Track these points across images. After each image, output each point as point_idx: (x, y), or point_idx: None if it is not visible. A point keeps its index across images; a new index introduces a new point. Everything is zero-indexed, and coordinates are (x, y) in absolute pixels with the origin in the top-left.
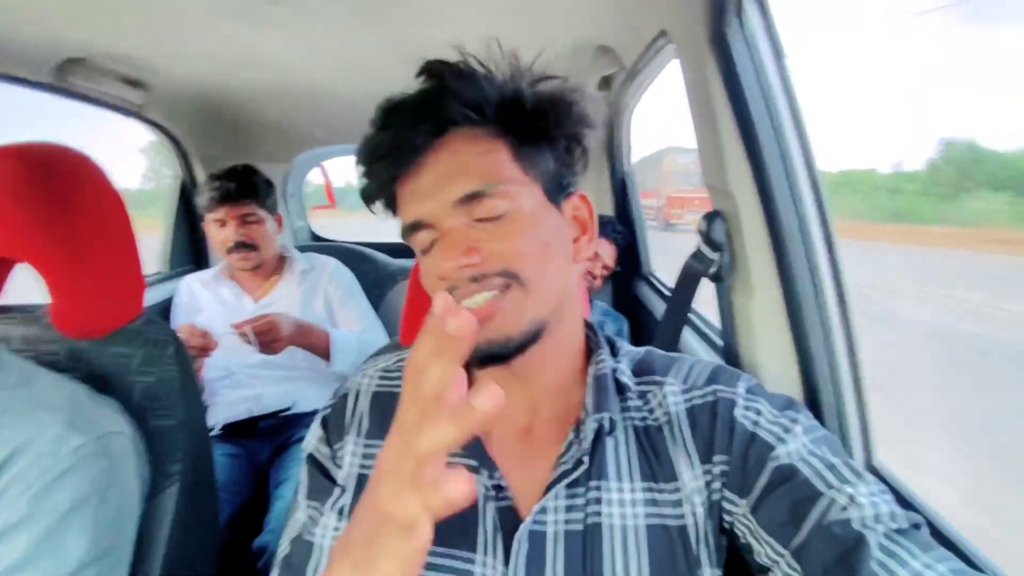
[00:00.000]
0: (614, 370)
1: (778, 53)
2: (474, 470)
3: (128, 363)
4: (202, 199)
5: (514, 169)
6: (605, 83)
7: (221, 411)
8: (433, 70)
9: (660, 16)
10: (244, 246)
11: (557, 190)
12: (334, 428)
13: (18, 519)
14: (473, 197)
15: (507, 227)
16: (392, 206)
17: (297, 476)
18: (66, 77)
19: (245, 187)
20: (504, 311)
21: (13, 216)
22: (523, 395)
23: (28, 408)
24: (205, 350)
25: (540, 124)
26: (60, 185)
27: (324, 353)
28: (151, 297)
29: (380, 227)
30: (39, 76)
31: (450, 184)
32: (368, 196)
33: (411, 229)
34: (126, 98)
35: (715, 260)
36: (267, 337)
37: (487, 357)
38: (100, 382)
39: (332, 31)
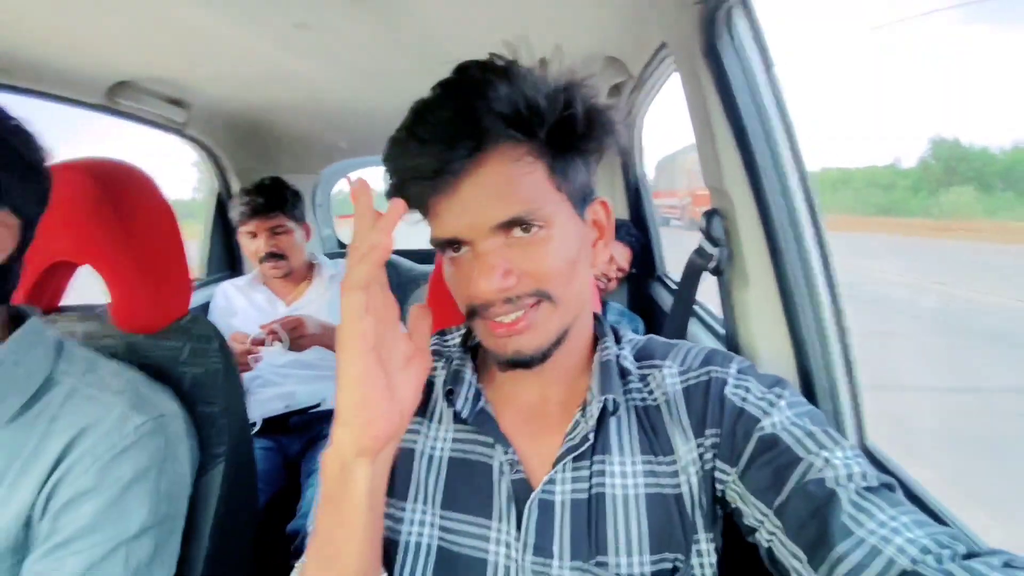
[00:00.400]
0: (617, 356)
1: (768, 63)
2: (490, 446)
3: (178, 355)
4: (234, 212)
5: (550, 189)
6: (615, 91)
7: (256, 408)
8: (470, 76)
9: (660, 29)
10: (274, 256)
11: (582, 200)
12: None
13: (87, 488)
14: (514, 223)
15: (542, 249)
16: (419, 210)
17: None
18: (116, 99)
19: (273, 200)
20: (535, 325)
21: (83, 225)
22: (536, 384)
23: (95, 391)
24: (247, 355)
25: (580, 136)
26: (122, 198)
27: None
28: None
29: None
30: (93, 98)
31: (490, 208)
32: (408, 202)
33: (444, 244)
34: (170, 117)
35: (715, 255)
36: (295, 333)
37: (516, 364)
38: (154, 371)
39: (355, 49)
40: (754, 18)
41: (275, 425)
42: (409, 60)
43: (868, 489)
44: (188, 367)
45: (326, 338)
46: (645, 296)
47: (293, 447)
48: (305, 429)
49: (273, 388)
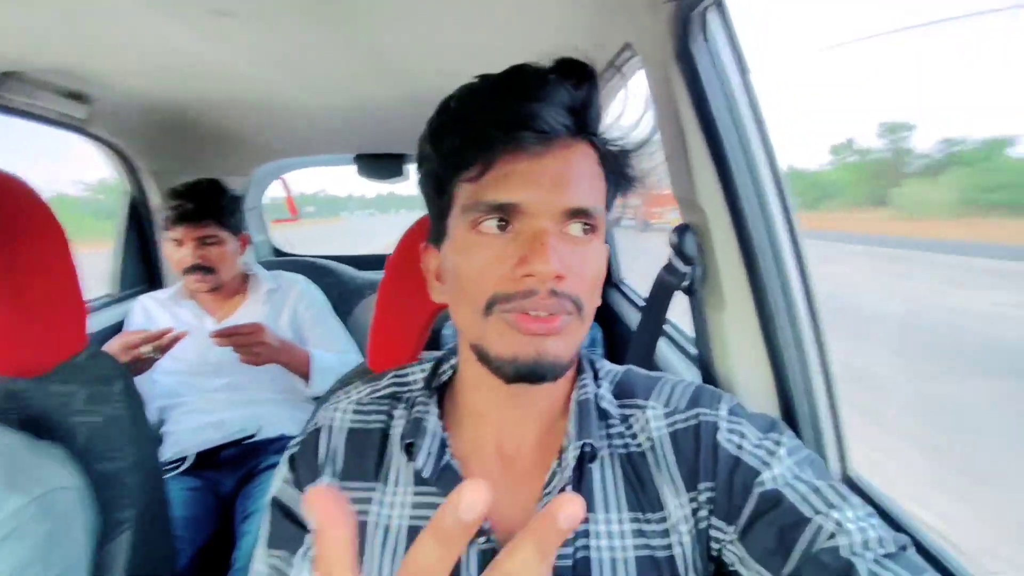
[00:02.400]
0: (596, 395)
1: (743, 68)
2: None
3: (71, 402)
4: (159, 215)
5: (604, 203)
6: (622, 112)
7: (180, 441)
8: (578, 70)
9: (625, 30)
10: (201, 268)
11: (605, 233)
12: (304, 468)
13: None
14: (580, 214)
15: (589, 255)
16: (454, 170)
17: (265, 507)
18: (2, 93)
19: (205, 207)
20: (565, 333)
21: None
22: (514, 420)
23: None
24: (142, 360)
25: (632, 176)
26: None
27: (303, 373)
28: (100, 322)
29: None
30: None
31: (571, 190)
32: (459, 157)
33: (496, 208)
34: (68, 113)
35: (687, 273)
36: (253, 339)
37: (529, 374)
38: (39, 425)
39: (287, 42)
40: (729, 21)
41: (202, 460)
42: (352, 56)
43: (887, 556)
44: (84, 416)
45: (283, 354)
46: (602, 303)
47: (225, 484)
48: (239, 463)
49: (199, 417)
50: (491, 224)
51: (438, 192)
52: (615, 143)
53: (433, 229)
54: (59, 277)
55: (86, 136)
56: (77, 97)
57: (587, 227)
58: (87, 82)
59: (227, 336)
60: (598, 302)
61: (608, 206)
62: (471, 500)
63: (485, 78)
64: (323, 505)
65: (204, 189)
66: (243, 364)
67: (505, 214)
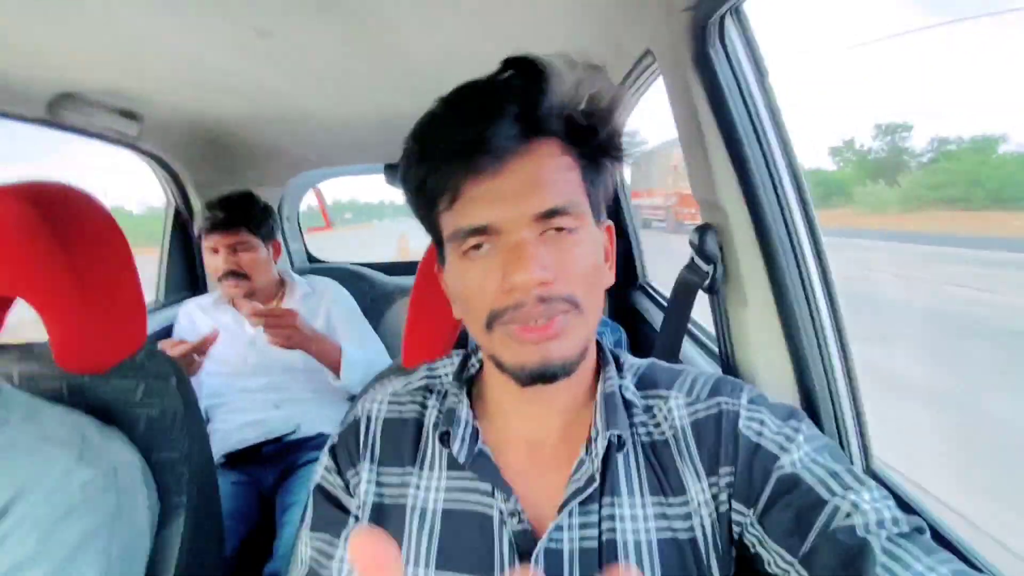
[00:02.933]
0: (620, 387)
1: (761, 71)
2: (488, 494)
3: (131, 396)
4: (199, 226)
5: (582, 191)
6: (586, 82)
7: (224, 439)
8: (524, 67)
9: (644, 36)
10: (234, 274)
11: (600, 216)
12: (344, 457)
13: (27, 557)
14: (552, 213)
15: (574, 250)
16: (434, 202)
17: (304, 500)
18: (60, 112)
19: (236, 215)
20: (566, 334)
21: (17, 256)
22: (538, 414)
23: (36, 443)
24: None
25: (611, 147)
26: (63, 223)
27: (334, 365)
28: (150, 325)
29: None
30: (33, 112)
31: (534, 195)
32: (422, 188)
33: (471, 232)
34: (121, 130)
35: (709, 272)
36: (285, 321)
37: (540, 377)
38: (103, 415)
39: (321, 58)
40: (747, 26)
41: (246, 456)
42: (380, 70)
43: (901, 535)
44: (143, 408)
45: (314, 343)
46: (627, 305)
47: (267, 479)
48: (279, 459)
49: (242, 415)
50: (474, 248)
51: (428, 225)
52: (578, 122)
53: (438, 255)
54: (121, 281)
55: (136, 151)
56: (129, 115)
57: (566, 223)
58: (137, 101)
59: (261, 316)
60: (600, 291)
61: (594, 184)
62: None
63: (439, 104)
64: (365, 548)
65: (236, 200)
66: (282, 366)
67: (483, 235)
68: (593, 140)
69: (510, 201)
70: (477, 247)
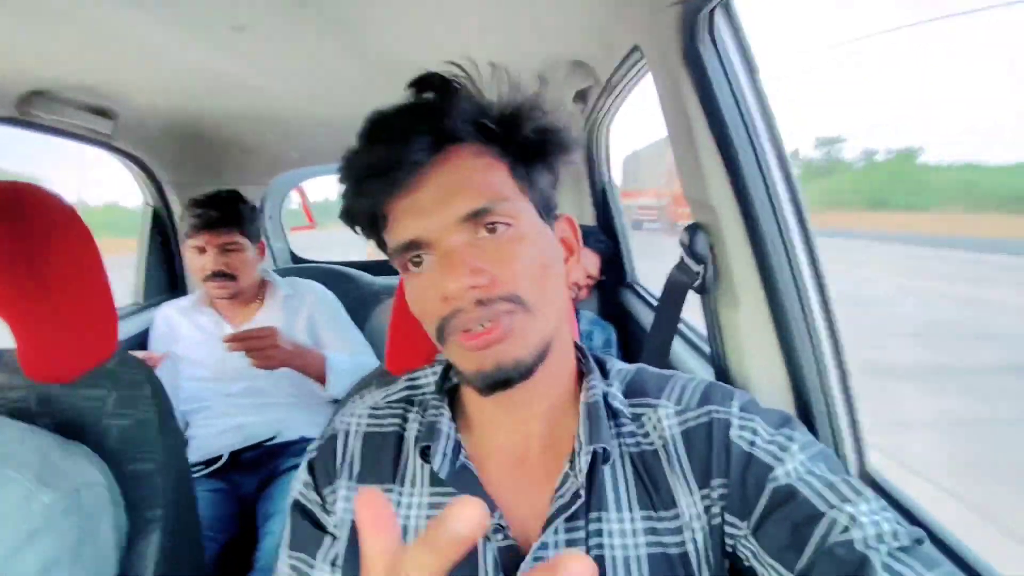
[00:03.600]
0: (606, 394)
1: (751, 68)
2: None
3: (102, 406)
4: (183, 224)
5: (513, 188)
6: (580, 96)
7: (203, 445)
8: (431, 83)
9: (633, 32)
10: (223, 275)
11: (548, 211)
12: (322, 472)
13: None
14: (478, 214)
15: (510, 247)
16: (375, 227)
17: (286, 509)
18: (30, 110)
19: (228, 215)
20: (513, 334)
21: None
22: (517, 424)
23: None
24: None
25: (536, 145)
26: (25, 224)
27: (319, 376)
28: (126, 330)
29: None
30: (1, 111)
31: (454, 200)
32: (355, 215)
33: (405, 248)
34: (94, 128)
35: (699, 272)
36: (266, 343)
37: (496, 383)
38: (72, 428)
39: (301, 55)
40: (737, 22)
41: (225, 462)
42: (362, 67)
43: (902, 549)
44: (114, 419)
45: (297, 358)
46: (616, 304)
47: (247, 487)
48: (259, 465)
49: (221, 421)
50: (412, 263)
51: (385, 251)
52: (489, 124)
53: None
54: (90, 285)
55: (111, 150)
56: (102, 113)
57: (494, 226)
58: (111, 98)
59: (240, 340)
60: (554, 286)
61: (531, 179)
62: (469, 515)
63: (357, 137)
64: (369, 509)
65: (225, 198)
66: (260, 371)
67: (417, 249)
68: (512, 138)
69: (432, 211)
70: (417, 262)
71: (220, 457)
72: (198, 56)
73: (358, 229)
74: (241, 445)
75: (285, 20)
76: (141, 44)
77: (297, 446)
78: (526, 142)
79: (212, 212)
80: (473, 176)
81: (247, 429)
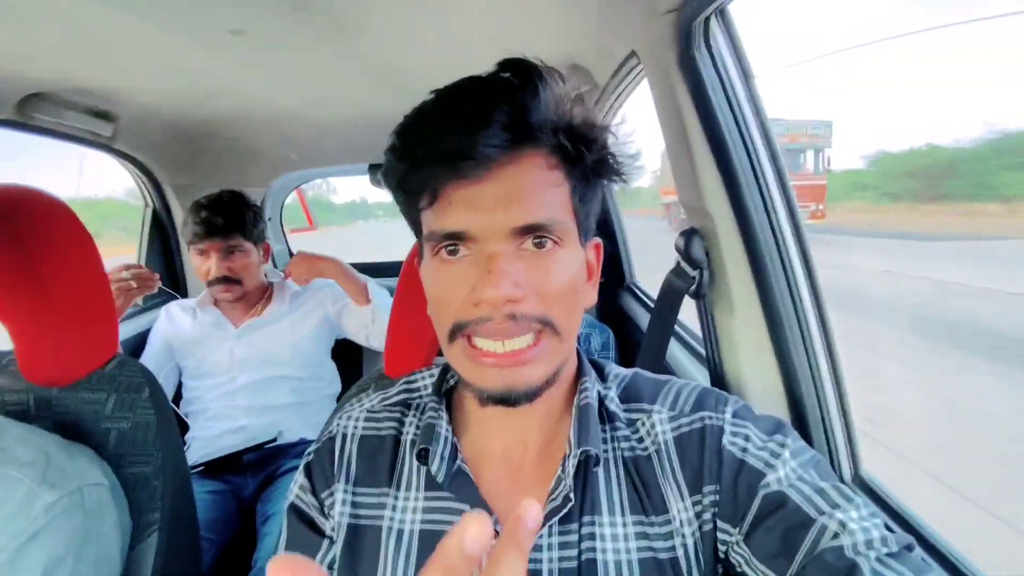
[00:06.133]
0: (604, 397)
1: (746, 74)
2: None
3: (101, 409)
4: (186, 230)
5: (569, 209)
6: (579, 100)
7: (201, 447)
8: (524, 71)
9: (629, 38)
10: (227, 280)
11: (586, 234)
12: (320, 476)
13: None
14: (533, 229)
15: (552, 267)
16: (416, 199)
17: (285, 510)
18: (29, 113)
19: (232, 219)
20: (536, 359)
21: None
22: (514, 428)
23: None
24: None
25: (604, 169)
26: (25, 228)
27: (360, 289)
28: (126, 331)
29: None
30: (1, 113)
31: (515, 207)
32: (403, 184)
33: (447, 237)
34: (94, 131)
35: (695, 277)
36: (307, 263)
37: (500, 401)
38: (72, 430)
39: (299, 58)
40: (732, 28)
41: (225, 464)
42: (360, 71)
43: (890, 555)
44: (114, 422)
45: (339, 266)
46: (614, 306)
47: (247, 488)
48: (260, 467)
49: (222, 422)
50: (447, 251)
51: (410, 218)
52: (570, 136)
53: (420, 251)
54: (89, 288)
55: (111, 153)
56: (102, 115)
57: (543, 241)
58: (111, 101)
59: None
60: (578, 312)
61: (584, 201)
62: (475, 534)
63: (429, 102)
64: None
65: (228, 202)
66: (265, 371)
67: (459, 241)
68: (586, 157)
69: (490, 210)
70: (453, 251)
71: (221, 458)
72: (197, 60)
73: (396, 195)
74: (242, 446)
75: (283, 24)
76: (141, 47)
77: (297, 448)
78: (595, 164)
79: (215, 218)
80: (540, 188)
81: (248, 431)
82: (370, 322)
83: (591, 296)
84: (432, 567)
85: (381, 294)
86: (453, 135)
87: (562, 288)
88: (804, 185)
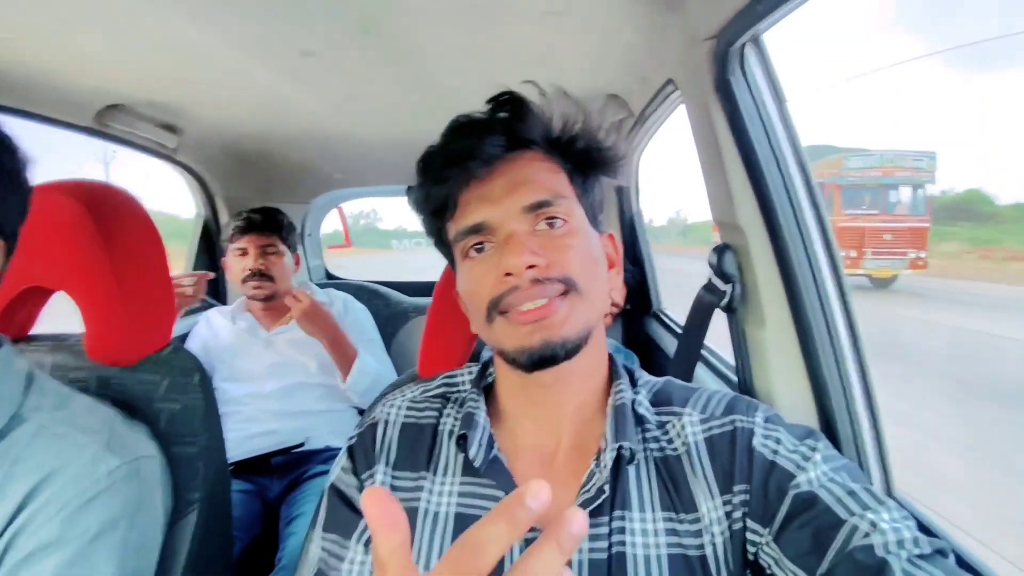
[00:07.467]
0: (633, 401)
1: (779, 98)
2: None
3: (155, 390)
4: (226, 231)
5: (570, 190)
6: (615, 128)
7: (234, 447)
8: (510, 98)
9: (667, 66)
10: (261, 275)
11: (595, 219)
12: (361, 457)
13: (50, 541)
14: (540, 206)
15: (566, 239)
16: (443, 215)
17: (310, 513)
18: (106, 122)
19: (270, 221)
20: (562, 313)
21: (62, 250)
22: (548, 423)
23: (66, 430)
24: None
25: (590, 157)
26: (106, 222)
27: (347, 362)
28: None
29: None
30: (82, 120)
31: (520, 191)
32: (429, 201)
33: (470, 231)
34: (161, 142)
35: (726, 292)
36: (313, 310)
37: (541, 359)
38: (127, 408)
39: (358, 80)
40: (766, 54)
41: (254, 465)
42: (410, 93)
43: (921, 557)
44: (166, 403)
45: (339, 333)
46: (640, 332)
47: (273, 490)
48: (287, 470)
49: (253, 425)
50: (474, 247)
51: (440, 242)
52: (555, 134)
53: (455, 275)
54: (154, 279)
55: (173, 164)
56: (169, 128)
57: (553, 220)
58: (179, 115)
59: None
60: (601, 283)
61: (584, 192)
62: (537, 489)
63: (444, 132)
64: (378, 507)
65: (267, 208)
66: (295, 376)
67: (481, 234)
68: (572, 149)
69: (500, 199)
70: (479, 248)
71: (249, 459)
72: (266, 79)
73: (424, 219)
74: (272, 449)
75: (347, 46)
76: (214, 65)
77: (323, 454)
78: (583, 154)
79: (255, 216)
80: (538, 174)
81: (277, 435)
82: (346, 388)
83: (616, 282)
84: (495, 514)
85: (370, 365)
86: (461, 144)
87: (580, 258)
88: (901, 228)
